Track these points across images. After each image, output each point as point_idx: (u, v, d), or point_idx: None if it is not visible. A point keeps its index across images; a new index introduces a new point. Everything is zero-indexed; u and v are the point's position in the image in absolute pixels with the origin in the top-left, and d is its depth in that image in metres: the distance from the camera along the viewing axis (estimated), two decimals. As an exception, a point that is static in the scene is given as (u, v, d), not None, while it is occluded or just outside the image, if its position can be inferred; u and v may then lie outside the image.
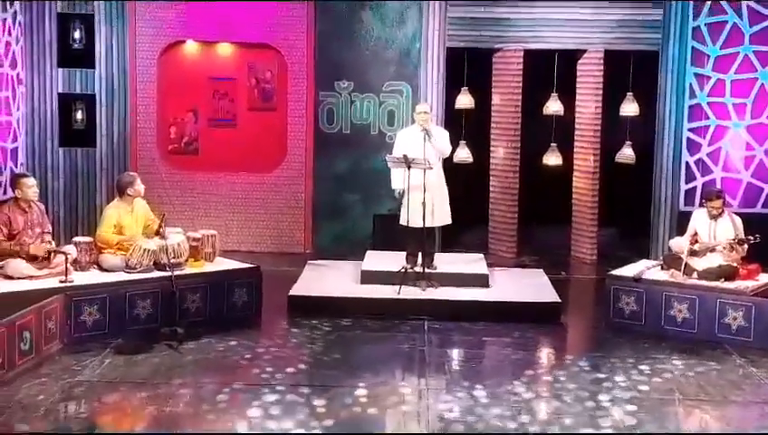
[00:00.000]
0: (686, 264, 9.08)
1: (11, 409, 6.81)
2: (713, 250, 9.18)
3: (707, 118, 11.92)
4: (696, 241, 9.27)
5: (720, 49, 11.80)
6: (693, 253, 9.19)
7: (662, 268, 9.48)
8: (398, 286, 9.84)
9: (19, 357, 7.54)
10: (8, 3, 11.75)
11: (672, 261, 9.34)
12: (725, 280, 8.97)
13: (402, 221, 10.30)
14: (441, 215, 10.36)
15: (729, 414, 7.21)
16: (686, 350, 8.57)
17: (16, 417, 6.68)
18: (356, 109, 12.41)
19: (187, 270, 9.20)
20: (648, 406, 7.20)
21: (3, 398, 7.00)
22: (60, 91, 12.35)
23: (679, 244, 9.45)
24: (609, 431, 6.70)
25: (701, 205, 9.95)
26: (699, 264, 9.14)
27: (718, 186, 11.53)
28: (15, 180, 8.92)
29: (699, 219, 9.43)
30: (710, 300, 8.88)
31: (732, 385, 7.73)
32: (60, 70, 12.32)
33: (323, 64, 12.34)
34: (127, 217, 9.23)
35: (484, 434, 6.62)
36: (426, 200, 9.94)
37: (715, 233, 9.26)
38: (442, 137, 10.33)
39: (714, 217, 9.30)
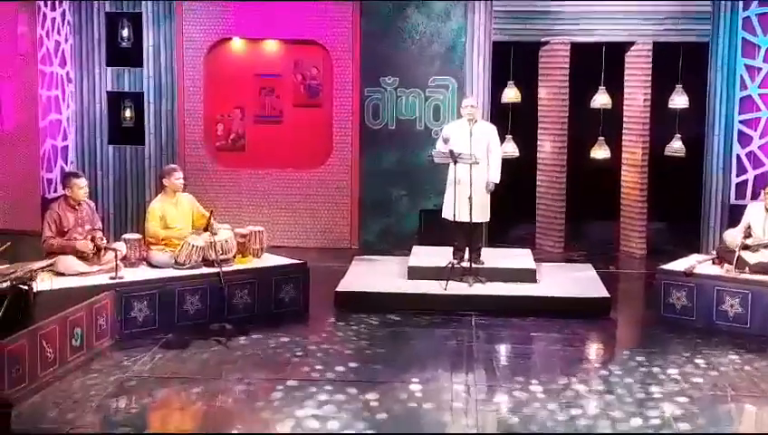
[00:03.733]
0: (738, 257, 8.94)
1: (63, 404, 6.88)
2: (766, 247, 9.02)
3: (759, 109, 11.73)
4: (750, 235, 9.11)
5: (771, 39, 11.64)
6: (745, 247, 9.04)
7: (713, 262, 9.35)
8: (446, 282, 9.82)
9: (71, 353, 7.63)
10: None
11: (725, 253, 9.19)
12: (779, 274, 8.84)
13: (448, 215, 10.24)
14: (485, 210, 10.30)
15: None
16: (738, 345, 8.46)
17: (68, 412, 6.74)
18: (402, 104, 12.39)
19: (235, 266, 9.24)
20: (699, 399, 7.12)
21: (55, 393, 7.09)
22: (108, 89, 12.49)
23: (733, 236, 9.26)
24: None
25: (754, 198, 9.78)
26: (752, 257, 8.97)
27: (770, 179, 11.37)
28: (67, 179, 9.02)
29: (754, 213, 9.27)
30: (763, 295, 8.74)
31: (785, 381, 7.63)
32: (108, 68, 12.46)
33: (369, 60, 12.34)
34: (171, 210, 9.24)
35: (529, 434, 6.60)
36: (472, 195, 9.91)
37: (769, 228, 9.12)
38: (490, 132, 10.28)
39: (768, 210, 9.17)
